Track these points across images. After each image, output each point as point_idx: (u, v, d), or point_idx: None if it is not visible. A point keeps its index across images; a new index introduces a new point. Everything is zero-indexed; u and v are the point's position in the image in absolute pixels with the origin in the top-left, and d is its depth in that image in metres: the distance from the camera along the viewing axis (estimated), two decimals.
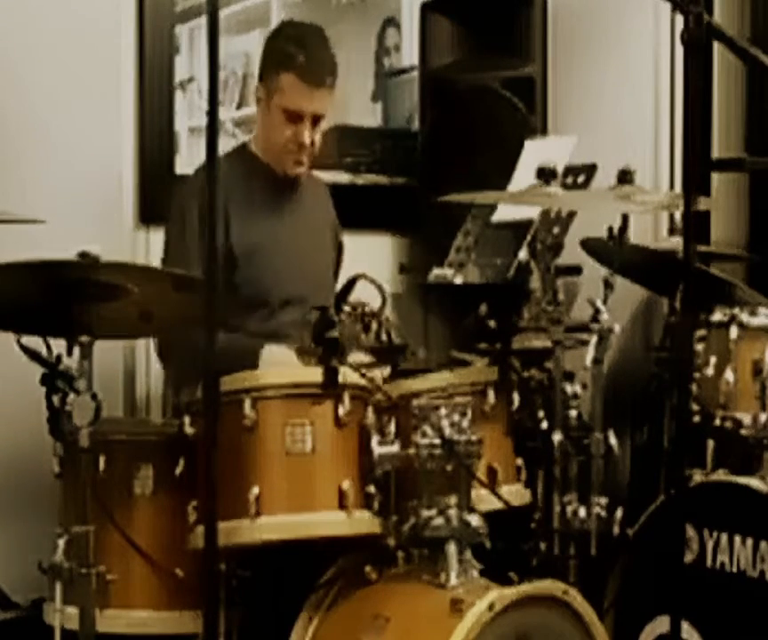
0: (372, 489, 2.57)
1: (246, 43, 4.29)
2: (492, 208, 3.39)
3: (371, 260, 3.51)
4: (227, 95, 4.85)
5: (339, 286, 3.25)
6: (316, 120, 3.19)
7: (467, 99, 3.98)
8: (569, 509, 2.75)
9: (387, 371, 2.83)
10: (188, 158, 3.79)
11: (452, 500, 2.57)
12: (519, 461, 2.84)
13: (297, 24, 3.41)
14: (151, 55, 3.66)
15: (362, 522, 2.54)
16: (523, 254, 3.06)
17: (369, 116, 4.31)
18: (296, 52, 3.16)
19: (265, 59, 3.26)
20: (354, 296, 3.08)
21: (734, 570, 2.83)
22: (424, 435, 2.58)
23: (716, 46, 3.30)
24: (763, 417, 2.94)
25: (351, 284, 3.38)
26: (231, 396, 2.49)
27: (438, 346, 3.78)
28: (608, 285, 2.79)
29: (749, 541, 2.80)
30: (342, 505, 2.50)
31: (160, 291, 2.54)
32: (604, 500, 2.75)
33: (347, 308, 2.76)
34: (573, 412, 2.80)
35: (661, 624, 2.89)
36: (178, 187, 3.33)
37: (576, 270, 3.68)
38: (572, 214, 3.11)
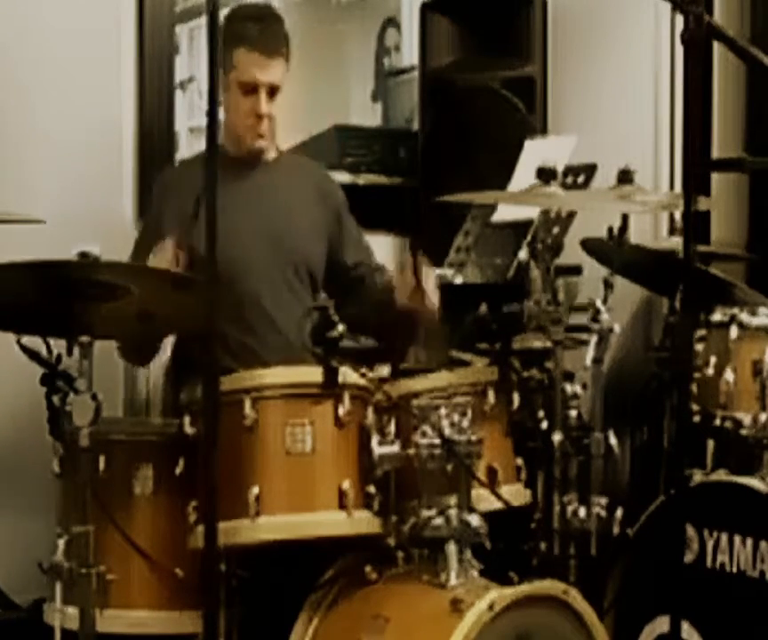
0: (372, 489, 2.57)
1: None
2: (492, 208, 3.39)
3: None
4: None
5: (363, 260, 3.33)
6: (272, 91, 3.19)
7: (467, 99, 3.98)
8: (569, 509, 2.75)
9: (387, 370, 2.83)
10: None
11: (452, 500, 2.57)
12: (519, 461, 2.84)
13: (248, 4, 3.46)
14: (151, 55, 3.67)
15: (362, 522, 2.54)
16: (523, 254, 3.06)
17: (369, 116, 4.32)
18: (248, 27, 3.19)
19: (222, 42, 3.23)
20: None
21: (734, 570, 2.83)
22: (424, 435, 2.58)
23: (716, 46, 3.30)
24: (763, 417, 2.94)
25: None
26: (231, 396, 2.49)
27: (438, 346, 3.77)
28: (608, 285, 2.78)
29: (749, 541, 2.80)
30: (342, 505, 2.50)
31: (160, 290, 2.54)
32: (604, 500, 2.75)
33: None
34: (573, 412, 2.80)
35: (661, 624, 2.89)
36: (158, 177, 3.38)
37: (576, 270, 3.68)
38: (571, 214, 3.11)
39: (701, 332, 3.08)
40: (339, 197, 3.41)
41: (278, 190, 3.30)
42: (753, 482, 2.87)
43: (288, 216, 3.28)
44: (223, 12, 3.91)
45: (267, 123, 3.21)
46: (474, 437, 2.58)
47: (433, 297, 3.07)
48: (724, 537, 2.85)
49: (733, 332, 3.03)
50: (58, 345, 2.42)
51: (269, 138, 3.26)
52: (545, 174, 2.73)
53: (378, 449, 2.57)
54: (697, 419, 3.05)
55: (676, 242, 3.39)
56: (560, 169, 2.82)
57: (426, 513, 2.58)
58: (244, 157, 3.25)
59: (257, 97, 3.17)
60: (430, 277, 3.09)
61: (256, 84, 3.17)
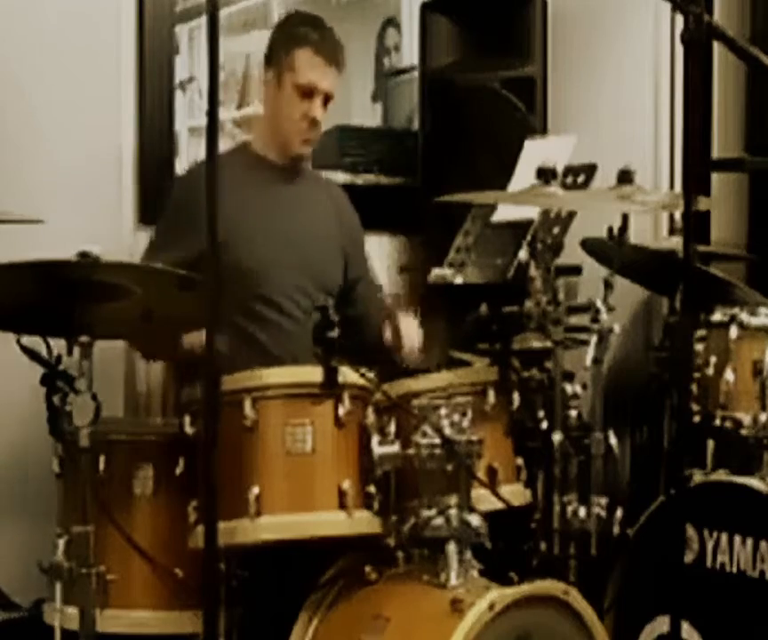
0: (372, 489, 2.57)
1: (246, 43, 4.29)
2: (492, 208, 3.39)
3: (371, 259, 3.52)
4: (227, 95, 4.84)
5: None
6: (325, 99, 3.19)
7: (467, 99, 3.98)
8: (569, 509, 2.75)
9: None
10: (187, 158, 3.79)
11: (452, 500, 2.57)
12: (519, 461, 2.85)
13: (303, 12, 3.45)
14: (151, 55, 3.66)
15: (362, 522, 2.54)
16: (523, 254, 3.05)
17: (369, 115, 4.31)
18: (310, 31, 3.19)
19: (275, 43, 3.26)
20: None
21: (734, 570, 2.83)
22: (424, 435, 2.59)
23: (716, 46, 3.30)
24: (763, 417, 2.95)
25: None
26: (231, 396, 2.49)
27: (438, 346, 3.77)
28: (608, 285, 2.79)
29: (749, 541, 2.80)
30: (342, 505, 2.50)
31: (161, 290, 2.54)
32: (604, 500, 2.75)
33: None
34: (573, 412, 2.80)
35: (661, 624, 2.89)
36: (176, 182, 3.35)
37: (576, 270, 3.68)
38: (572, 214, 3.11)
39: (701, 332, 3.08)
40: (355, 219, 3.44)
41: (307, 203, 3.32)
42: (753, 482, 2.87)
43: (314, 231, 3.30)
44: (223, 12, 3.92)
45: (316, 130, 3.22)
46: (474, 437, 2.58)
47: (414, 342, 3.19)
48: (724, 537, 2.85)
49: (733, 332, 3.03)
50: (58, 345, 2.42)
51: (313, 146, 3.28)
52: (545, 174, 2.73)
53: (378, 449, 2.57)
54: (697, 419, 3.05)
55: (676, 242, 3.40)
56: (560, 169, 2.82)
57: (426, 513, 2.58)
58: (283, 163, 3.26)
59: (312, 102, 3.17)
60: (411, 327, 3.18)
61: (315, 88, 3.16)
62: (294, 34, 3.21)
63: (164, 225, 3.21)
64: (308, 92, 3.16)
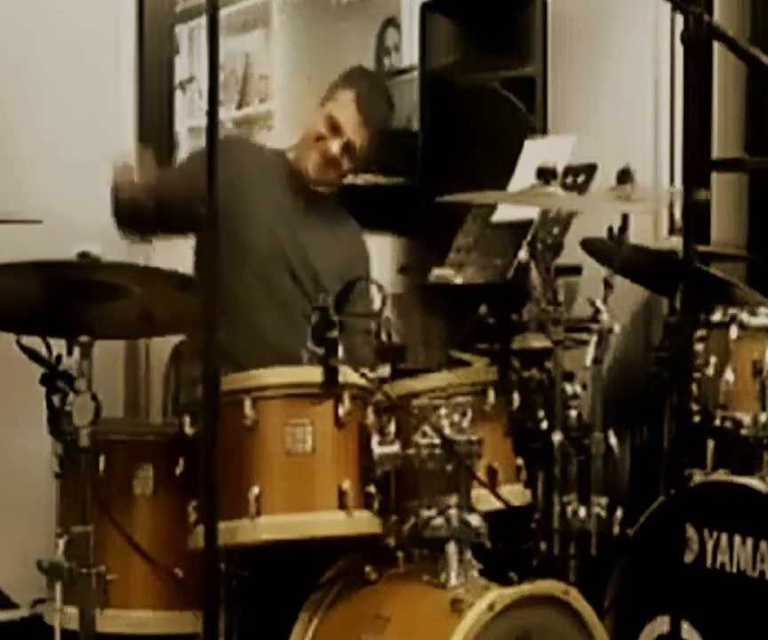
0: (372, 489, 2.57)
1: (246, 43, 4.31)
2: (492, 208, 3.39)
3: (371, 259, 3.52)
4: (227, 95, 4.85)
5: None
6: (347, 147, 3.28)
7: (467, 99, 3.98)
8: (569, 509, 2.75)
9: (387, 370, 2.83)
10: None
11: (452, 500, 2.57)
12: (519, 461, 2.84)
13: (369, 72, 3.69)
14: (151, 55, 3.67)
15: (362, 522, 2.54)
16: (523, 254, 3.06)
17: None
18: (365, 86, 3.35)
19: (333, 82, 3.38)
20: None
21: (734, 570, 2.83)
22: (424, 435, 2.59)
23: (716, 46, 3.30)
24: (763, 417, 2.94)
25: (351, 284, 3.39)
26: (231, 396, 2.49)
27: (438, 346, 3.77)
28: (608, 285, 2.79)
29: (749, 541, 2.80)
30: (342, 505, 2.50)
31: (160, 291, 2.54)
32: (604, 500, 2.75)
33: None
34: (573, 412, 2.80)
35: (661, 624, 2.89)
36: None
37: (576, 270, 3.68)
38: (572, 214, 3.11)
39: (701, 332, 3.08)
40: (367, 265, 3.47)
41: (327, 226, 3.39)
42: (753, 482, 2.87)
43: (325, 254, 3.35)
44: (223, 12, 3.92)
45: (334, 169, 3.32)
46: (474, 437, 2.58)
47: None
48: (724, 537, 2.85)
49: (733, 332, 3.03)
50: (58, 345, 2.42)
51: (330, 187, 3.39)
52: (545, 174, 2.73)
53: (378, 449, 2.57)
54: (697, 419, 3.05)
55: (676, 242, 3.39)
56: (560, 169, 2.82)
57: (426, 513, 2.58)
58: (308, 183, 3.35)
59: (334, 138, 3.27)
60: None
61: (341, 130, 3.27)
62: (351, 77, 3.36)
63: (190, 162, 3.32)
64: (333, 128, 3.28)
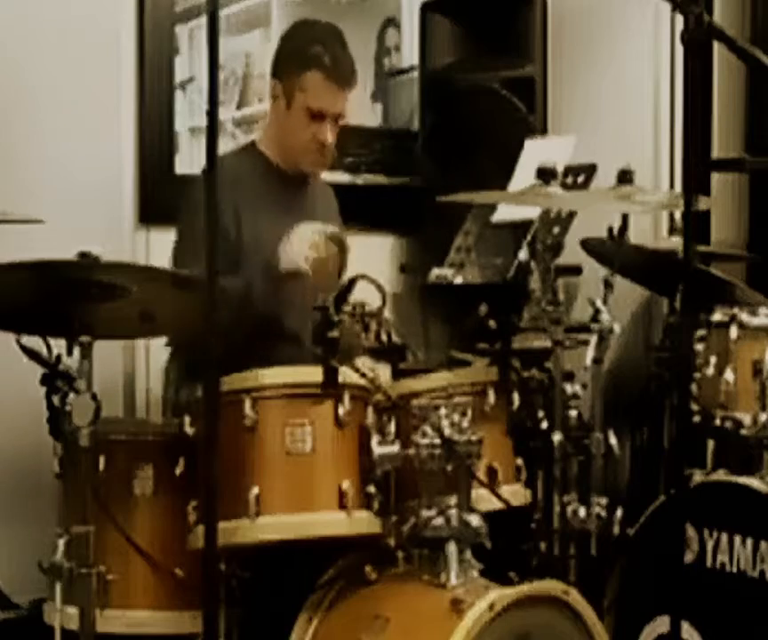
0: (372, 489, 2.57)
1: (246, 43, 4.29)
2: (492, 208, 3.39)
3: (371, 260, 3.51)
4: (227, 95, 4.84)
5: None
6: (336, 119, 3.17)
7: (467, 99, 3.98)
8: (569, 509, 2.75)
9: (387, 370, 2.83)
10: (188, 158, 3.80)
11: (452, 500, 2.57)
12: (519, 461, 2.85)
13: (314, 23, 3.35)
14: (151, 55, 3.67)
15: (362, 522, 2.54)
16: (523, 254, 3.06)
17: (369, 115, 4.31)
18: (322, 52, 3.13)
19: (284, 57, 3.21)
20: (354, 296, 3.08)
21: (734, 570, 2.83)
22: (424, 435, 2.58)
23: (716, 46, 3.29)
24: (763, 417, 2.94)
25: (351, 284, 3.38)
26: (231, 396, 2.49)
27: (438, 346, 3.78)
28: (608, 285, 2.79)
29: (749, 541, 2.80)
30: (342, 505, 2.50)
31: (160, 290, 2.54)
32: (604, 500, 2.75)
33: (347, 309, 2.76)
34: (573, 412, 2.80)
35: (661, 624, 2.89)
36: (188, 186, 3.33)
37: (576, 270, 3.68)
38: (572, 214, 3.11)
39: (701, 332, 3.08)
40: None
41: (312, 213, 3.27)
42: (753, 482, 2.87)
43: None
44: (223, 12, 3.92)
45: (327, 151, 3.20)
46: (474, 437, 2.58)
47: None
48: (724, 537, 2.85)
49: (733, 332, 3.02)
50: (58, 345, 2.42)
51: (327, 164, 3.28)
52: (545, 174, 2.73)
53: (378, 449, 2.57)
54: (697, 419, 3.05)
55: (676, 242, 3.40)
56: (560, 169, 2.82)
57: (426, 513, 2.58)
58: (294, 174, 3.25)
59: (322, 125, 3.14)
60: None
61: (326, 113, 3.14)
62: (305, 55, 3.15)
63: (187, 232, 3.10)
64: (318, 116, 3.14)
